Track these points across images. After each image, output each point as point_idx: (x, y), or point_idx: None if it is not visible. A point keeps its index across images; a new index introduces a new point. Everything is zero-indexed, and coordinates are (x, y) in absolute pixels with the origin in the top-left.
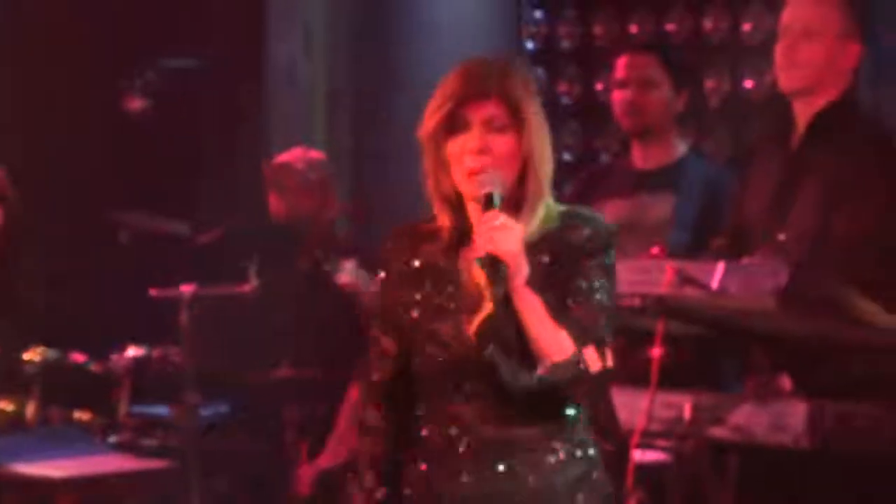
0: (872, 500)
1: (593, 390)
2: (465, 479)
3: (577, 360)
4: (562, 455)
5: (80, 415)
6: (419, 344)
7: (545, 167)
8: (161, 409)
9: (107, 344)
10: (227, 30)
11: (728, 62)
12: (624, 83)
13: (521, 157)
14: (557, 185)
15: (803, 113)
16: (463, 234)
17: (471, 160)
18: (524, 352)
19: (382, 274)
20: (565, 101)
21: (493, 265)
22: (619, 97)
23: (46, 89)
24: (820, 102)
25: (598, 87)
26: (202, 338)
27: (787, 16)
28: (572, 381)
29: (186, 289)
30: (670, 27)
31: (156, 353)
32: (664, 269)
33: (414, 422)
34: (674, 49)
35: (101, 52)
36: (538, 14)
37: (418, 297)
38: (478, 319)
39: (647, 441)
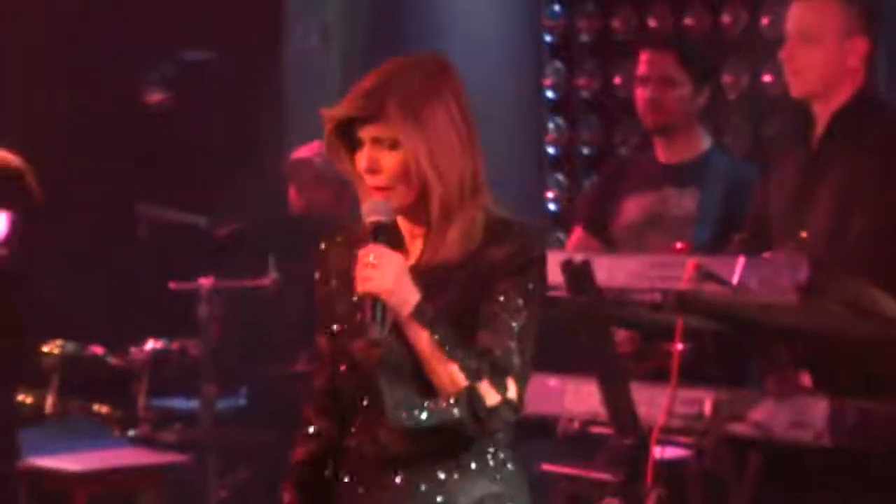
0: (893, 498)
1: (494, 424)
2: (361, 490)
3: (467, 397)
4: (470, 471)
5: (99, 408)
6: (335, 358)
7: (449, 183)
8: (180, 402)
9: (126, 337)
10: (246, 23)
11: (746, 57)
12: (645, 80)
13: (418, 175)
14: (576, 179)
15: (821, 113)
16: (392, 239)
17: (367, 178)
18: (421, 382)
19: (317, 275)
20: (584, 94)
21: (372, 303)
22: (640, 94)
23: (67, 82)
24: (835, 103)
25: (617, 81)
26: (221, 331)
27: (787, 20)
28: (461, 420)
29: (205, 282)
30: (688, 21)
31: (174, 346)
32: (683, 263)
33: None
34: (693, 44)
35: (120, 44)
36: (556, 8)
37: (343, 307)
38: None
39: (667, 437)
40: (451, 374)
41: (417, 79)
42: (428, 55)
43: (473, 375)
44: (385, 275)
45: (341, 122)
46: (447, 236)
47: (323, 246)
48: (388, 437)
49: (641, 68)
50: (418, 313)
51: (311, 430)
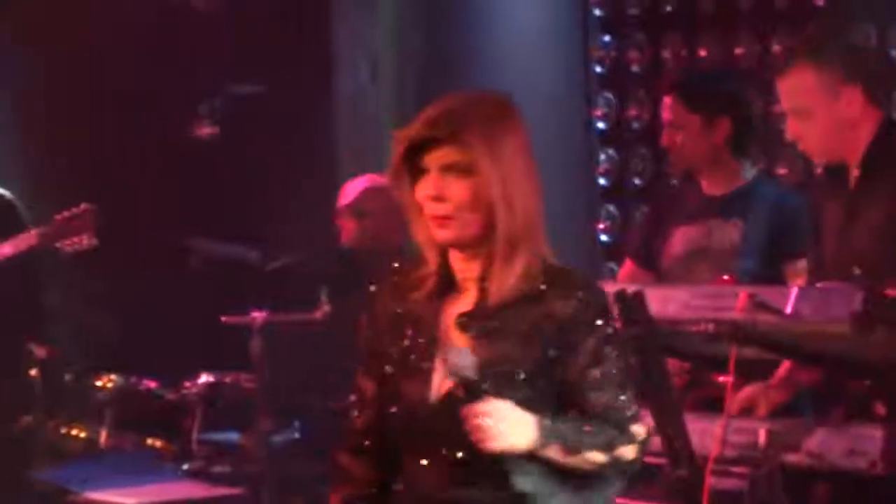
0: None
1: (637, 466)
2: None
3: (613, 467)
4: None
5: (153, 442)
6: (387, 399)
7: (517, 216)
8: (233, 436)
9: (178, 371)
10: (296, 57)
11: None
12: (664, 125)
13: (485, 204)
14: (627, 210)
15: (852, 159)
16: (446, 282)
17: (429, 207)
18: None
19: (365, 319)
20: (635, 125)
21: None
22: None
23: (117, 116)
24: (861, 145)
25: None
26: (274, 364)
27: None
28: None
29: (258, 315)
30: (739, 51)
31: (227, 379)
32: (736, 294)
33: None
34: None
35: (171, 78)
36: (606, 38)
37: (395, 349)
38: (446, 385)
39: (722, 467)
40: (588, 460)
41: (491, 109)
42: (494, 93)
43: (608, 448)
44: (502, 431)
45: (410, 148)
46: (509, 273)
47: (374, 289)
48: (428, 484)
49: (663, 114)
50: (542, 439)
51: (346, 474)
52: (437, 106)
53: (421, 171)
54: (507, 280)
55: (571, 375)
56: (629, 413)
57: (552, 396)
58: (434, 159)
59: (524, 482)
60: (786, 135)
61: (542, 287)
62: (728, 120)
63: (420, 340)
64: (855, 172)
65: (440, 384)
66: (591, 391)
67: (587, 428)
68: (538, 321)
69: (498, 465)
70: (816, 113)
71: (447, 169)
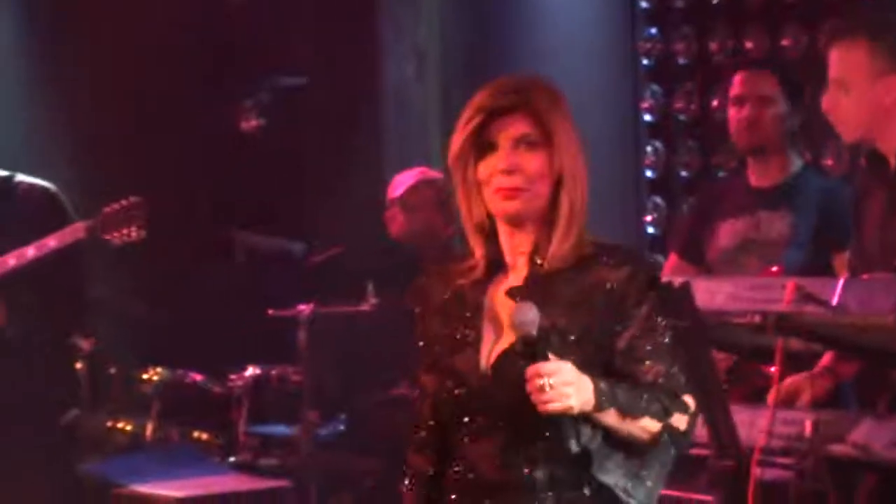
0: None
1: (689, 440)
2: None
3: (668, 436)
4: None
5: (199, 434)
6: (440, 377)
7: (578, 187)
8: (280, 429)
9: (224, 363)
10: (342, 50)
11: None
12: (740, 100)
13: (552, 176)
14: (674, 202)
15: (887, 151)
16: (494, 266)
17: (500, 180)
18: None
19: (418, 311)
20: (682, 117)
21: (562, 421)
22: (735, 114)
23: (162, 108)
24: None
25: (715, 103)
26: (320, 357)
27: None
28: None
29: (304, 308)
30: (785, 42)
31: (274, 372)
32: (782, 285)
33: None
34: (788, 65)
35: (216, 71)
36: (653, 31)
37: (441, 329)
38: (496, 353)
39: (768, 458)
40: (643, 427)
41: (548, 88)
42: (543, 77)
43: (663, 415)
44: (564, 392)
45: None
46: (566, 245)
47: (422, 281)
48: (482, 465)
49: (736, 88)
50: (599, 403)
51: (415, 471)
52: (500, 81)
53: (486, 147)
54: (562, 251)
55: (621, 343)
56: (681, 383)
57: (599, 365)
58: (504, 133)
59: (580, 447)
60: (822, 105)
61: (591, 257)
62: (802, 109)
63: (466, 314)
64: (893, 162)
65: (489, 353)
66: (646, 360)
67: (642, 395)
68: (588, 289)
69: (554, 436)
70: (855, 89)
71: (519, 142)
